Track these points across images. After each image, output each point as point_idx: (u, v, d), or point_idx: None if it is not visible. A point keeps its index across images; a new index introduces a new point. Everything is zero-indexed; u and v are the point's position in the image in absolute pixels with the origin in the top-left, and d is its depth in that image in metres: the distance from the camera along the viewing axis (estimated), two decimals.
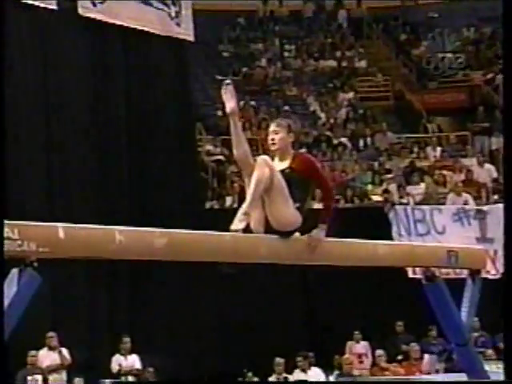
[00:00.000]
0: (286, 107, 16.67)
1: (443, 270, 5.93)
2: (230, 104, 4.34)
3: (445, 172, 13.53)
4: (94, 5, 9.83)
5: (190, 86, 12.11)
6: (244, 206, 4.19)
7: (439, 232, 11.11)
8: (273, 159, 4.45)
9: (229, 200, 12.62)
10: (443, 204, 11.99)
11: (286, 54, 18.91)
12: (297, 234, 4.42)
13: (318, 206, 5.39)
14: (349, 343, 10.94)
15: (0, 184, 3.25)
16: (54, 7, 9.27)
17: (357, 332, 10.94)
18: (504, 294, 3.70)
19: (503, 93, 3.95)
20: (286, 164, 4.43)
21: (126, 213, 10.29)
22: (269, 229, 4.30)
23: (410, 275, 9.90)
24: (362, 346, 11.00)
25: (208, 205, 12.61)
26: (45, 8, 9.25)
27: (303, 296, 11.75)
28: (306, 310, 11.73)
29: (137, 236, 3.76)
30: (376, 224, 10.85)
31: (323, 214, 4.40)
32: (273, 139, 4.46)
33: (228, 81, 4.48)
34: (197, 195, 12.00)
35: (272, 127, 4.50)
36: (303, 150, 14.99)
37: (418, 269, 7.64)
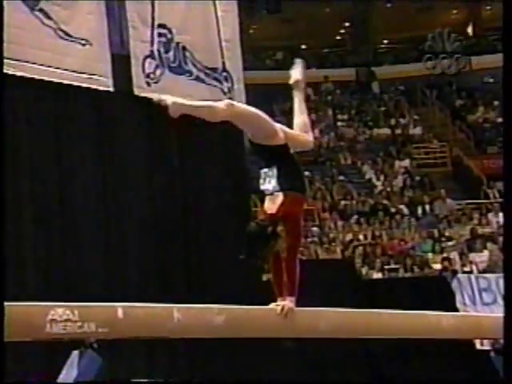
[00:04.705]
0: (341, 177, 16.72)
1: None
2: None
3: None
4: (149, 84, 10.12)
5: (245, 159, 12.27)
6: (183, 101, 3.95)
7: None
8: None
9: None
10: None
11: (339, 123, 19.07)
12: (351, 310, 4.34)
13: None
14: None
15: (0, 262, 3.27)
16: (111, 89, 9.57)
17: None
18: (505, 294, 3.64)
19: (503, 100, 3.92)
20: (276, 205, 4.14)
21: (183, 288, 10.33)
22: None
23: (478, 347, 9.63)
24: None
25: (265, 277, 12.56)
26: (101, 90, 9.56)
27: (366, 370, 11.48)
28: None
29: (195, 313, 3.76)
30: (438, 294, 10.65)
31: (288, 287, 4.07)
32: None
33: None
34: (254, 268, 11.97)
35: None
36: (361, 220, 14.95)
37: (485, 340, 7.43)
